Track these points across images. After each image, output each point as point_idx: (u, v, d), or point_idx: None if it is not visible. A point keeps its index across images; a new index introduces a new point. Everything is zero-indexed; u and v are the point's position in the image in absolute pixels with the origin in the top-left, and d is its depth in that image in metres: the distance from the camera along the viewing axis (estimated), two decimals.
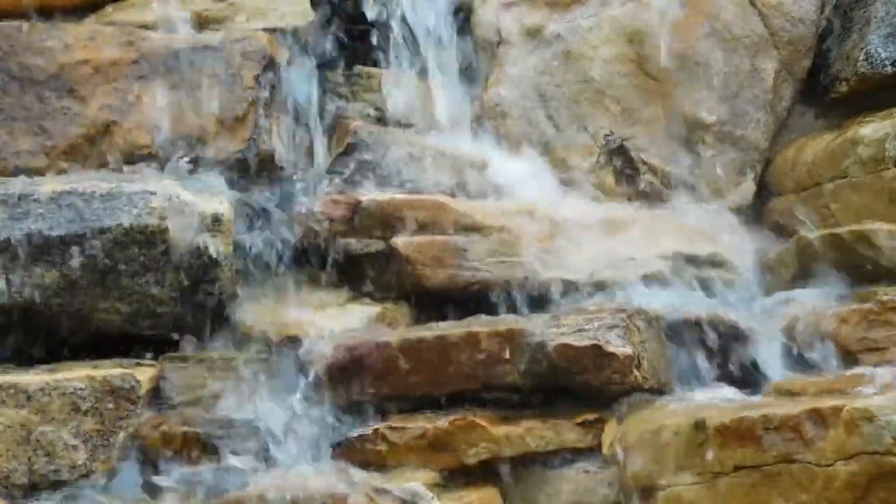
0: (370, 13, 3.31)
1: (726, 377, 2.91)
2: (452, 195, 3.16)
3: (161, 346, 2.90)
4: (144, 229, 2.84)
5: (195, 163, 3.04)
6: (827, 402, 2.54)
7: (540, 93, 3.34)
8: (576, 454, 2.82)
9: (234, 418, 2.83)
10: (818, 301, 2.97)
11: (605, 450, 2.80)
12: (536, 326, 2.84)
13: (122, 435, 2.78)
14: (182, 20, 3.15)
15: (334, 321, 2.98)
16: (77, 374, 2.78)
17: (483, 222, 3.08)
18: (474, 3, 3.40)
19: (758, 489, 2.55)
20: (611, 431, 2.81)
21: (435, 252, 3.03)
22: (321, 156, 3.22)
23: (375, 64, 3.31)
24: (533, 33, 3.37)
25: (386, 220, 3.05)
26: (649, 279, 3.08)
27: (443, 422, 2.80)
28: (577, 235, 3.13)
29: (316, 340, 2.91)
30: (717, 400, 2.80)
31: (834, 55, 3.38)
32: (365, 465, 2.80)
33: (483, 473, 2.82)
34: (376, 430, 2.82)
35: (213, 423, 2.81)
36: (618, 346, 2.80)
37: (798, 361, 2.89)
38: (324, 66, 3.28)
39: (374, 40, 3.31)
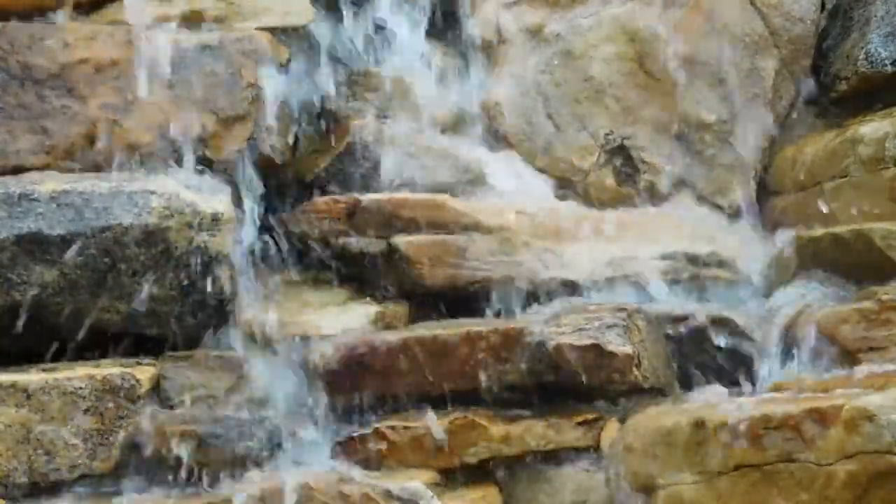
0: (371, 12, 3.31)
1: (726, 377, 2.91)
2: (452, 195, 3.16)
3: (161, 346, 2.90)
4: (144, 229, 2.84)
5: (195, 162, 3.04)
6: (827, 402, 2.54)
7: (540, 92, 3.34)
8: (576, 453, 2.82)
9: (233, 418, 2.83)
10: (818, 300, 2.96)
11: (605, 449, 2.80)
12: (536, 326, 2.85)
13: (122, 434, 2.78)
14: (182, 19, 3.15)
15: (334, 321, 2.98)
16: (77, 374, 2.78)
17: (483, 222, 3.08)
18: (474, 2, 3.40)
19: (758, 488, 2.55)
20: (611, 431, 2.81)
21: (435, 251, 3.03)
22: (321, 155, 3.22)
23: (376, 63, 3.31)
24: (533, 32, 3.37)
25: (386, 220, 3.05)
26: (649, 278, 3.08)
27: (443, 422, 2.81)
28: (577, 234, 3.13)
29: (316, 340, 2.91)
30: (717, 399, 2.80)
31: (834, 54, 3.37)
32: (365, 464, 2.80)
33: (483, 473, 2.82)
34: (376, 429, 2.82)
35: (213, 422, 2.81)
36: (618, 345, 2.80)
37: (798, 361, 2.89)
38: (324, 64, 3.28)
39: (375, 40, 3.31)
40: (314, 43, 3.25)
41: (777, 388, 2.81)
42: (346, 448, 2.82)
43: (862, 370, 2.77)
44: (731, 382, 2.89)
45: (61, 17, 3.11)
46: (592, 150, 3.33)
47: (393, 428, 2.82)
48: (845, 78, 3.31)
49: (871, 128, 3.14)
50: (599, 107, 3.34)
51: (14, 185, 2.88)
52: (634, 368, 2.81)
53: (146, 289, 2.86)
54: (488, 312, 3.01)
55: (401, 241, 3.03)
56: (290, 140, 3.17)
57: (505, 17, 3.38)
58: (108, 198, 2.86)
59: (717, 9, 3.34)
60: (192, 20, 3.15)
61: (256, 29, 3.16)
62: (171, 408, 2.84)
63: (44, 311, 2.83)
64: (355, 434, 2.83)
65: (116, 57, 3.08)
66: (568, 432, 2.83)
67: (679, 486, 2.63)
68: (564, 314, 2.89)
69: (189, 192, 2.92)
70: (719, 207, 3.33)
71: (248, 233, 3.08)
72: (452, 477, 2.81)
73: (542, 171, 3.30)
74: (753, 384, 2.89)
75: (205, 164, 3.05)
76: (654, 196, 3.31)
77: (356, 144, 3.19)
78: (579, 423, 2.83)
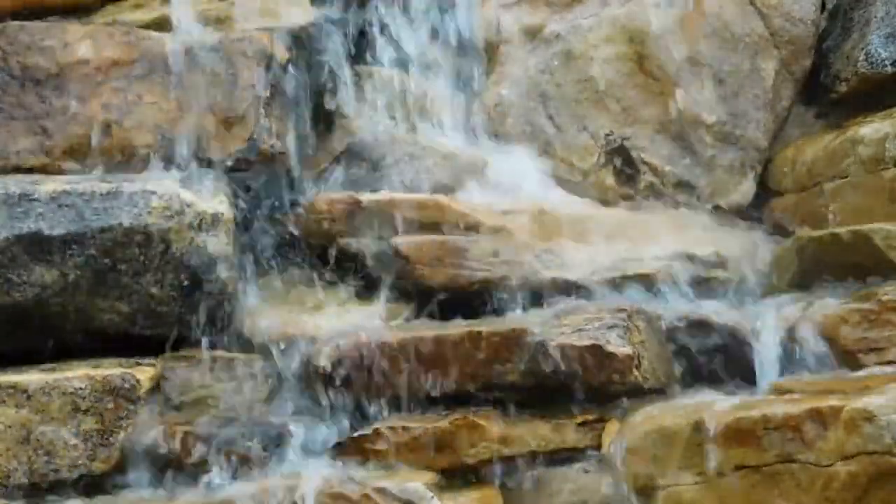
0: (371, 12, 3.31)
1: (726, 377, 2.91)
2: (453, 195, 3.16)
3: (161, 346, 2.90)
4: (144, 229, 2.84)
5: (195, 162, 3.04)
6: (827, 402, 2.54)
7: (540, 92, 3.34)
8: (576, 454, 2.82)
9: (234, 418, 2.83)
10: (818, 301, 2.96)
11: (605, 450, 2.80)
12: (537, 326, 2.84)
13: (122, 434, 2.78)
14: (182, 19, 3.15)
15: (334, 321, 2.98)
16: (77, 374, 2.78)
17: (483, 222, 3.08)
18: (474, 2, 3.40)
19: (758, 489, 2.55)
20: (611, 431, 2.81)
21: (435, 252, 3.03)
22: (322, 155, 3.22)
23: (376, 63, 3.31)
24: (533, 33, 3.38)
25: (386, 220, 3.05)
26: (649, 279, 3.08)
27: (443, 422, 2.81)
28: (577, 235, 3.13)
29: (316, 340, 2.91)
30: (717, 400, 2.80)
31: (834, 55, 3.38)
32: (365, 464, 2.80)
33: (483, 473, 2.82)
34: (376, 429, 2.82)
35: (213, 422, 2.81)
36: (618, 345, 2.80)
37: (798, 361, 2.89)
38: (324, 65, 3.28)
39: (375, 40, 3.32)
40: (315, 43, 3.25)
41: (777, 389, 2.80)
42: (346, 448, 2.82)
43: (862, 371, 2.78)
44: (732, 383, 2.89)
45: None
46: (592, 151, 3.33)
47: (393, 428, 2.82)
48: (845, 79, 3.31)
49: (871, 128, 3.14)
50: (599, 107, 3.34)
51: (14, 185, 2.88)
52: (634, 369, 2.80)
53: (146, 289, 2.86)
54: (488, 313, 3.01)
55: (401, 241, 3.03)
56: (291, 140, 3.17)
57: (505, 17, 3.38)
58: (109, 198, 2.86)
59: (717, 9, 3.35)
60: (192, 20, 3.15)
61: (257, 29, 3.16)
62: (172, 408, 2.84)
63: (44, 311, 2.83)
64: (355, 434, 2.83)
65: (116, 57, 3.08)
66: (568, 433, 2.83)
67: (679, 487, 2.63)
68: (565, 314, 2.89)
69: (189, 192, 2.92)
70: (719, 208, 3.34)
71: (248, 233, 3.08)
72: (452, 477, 2.80)
73: (542, 171, 3.30)
74: (754, 385, 2.88)
75: (205, 164, 3.05)
76: (654, 196, 3.31)
77: (357, 144, 3.19)
78: (579, 424, 2.83)
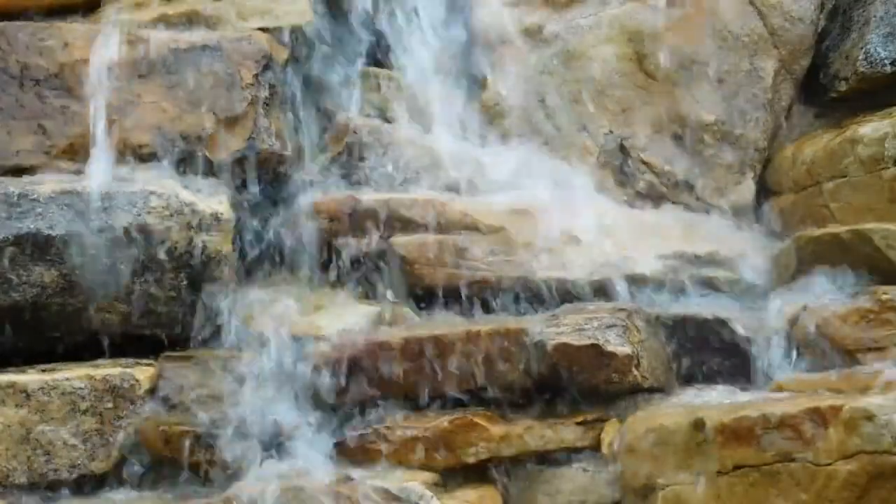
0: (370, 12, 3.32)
1: (726, 376, 2.91)
2: (452, 194, 3.16)
3: (160, 346, 2.90)
4: (144, 229, 2.84)
5: (195, 162, 3.04)
6: (826, 402, 2.54)
7: (539, 92, 3.34)
8: (575, 454, 2.82)
9: (233, 418, 2.83)
10: (817, 300, 2.96)
11: (604, 449, 2.80)
12: (536, 326, 2.84)
13: (121, 434, 2.78)
14: (182, 19, 3.15)
15: (334, 321, 2.98)
16: (76, 374, 2.78)
17: (482, 221, 3.08)
18: (474, 2, 3.40)
19: (757, 488, 2.55)
20: (610, 431, 2.81)
21: (434, 251, 3.03)
22: (321, 155, 3.22)
23: (376, 63, 3.31)
24: (532, 33, 3.38)
25: (385, 220, 3.05)
26: (648, 278, 3.08)
27: (443, 421, 2.81)
28: (577, 234, 3.13)
29: (316, 340, 2.91)
30: (717, 399, 2.80)
31: (833, 54, 3.38)
32: (365, 464, 2.80)
33: (483, 473, 2.82)
34: (376, 429, 2.82)
35: (212, 422, 2.81)
36: (617, 345, 2.80)
37: (797, 361, 2.89)
38: (323, 64, 3.28)
39: (375, 40, 3.32)
40: (313, 43, 3.26)
41: (777, 389, 2.81)
42: (346, 448, 2.82)
43: (861, 370, 2.78)
44: (731, 382, 2.89)
45: None
46: (592, 151, 3.33)
47: (392, 428, 2.82)
48: (844, 78, 3.31)
49: (871, 128, 3.14)
50: (599, 107, 3.34)
51: (14, 185, 2.88)
52: (634, 368, 2.80)
53: (145, 289, 2.86)
54: (487, 312, 3.01)
55: (400, 240, 3.03)
56: (290, 140, 3.17)
57: (505, 17, 3.38)
58: (108, 198, 2.86)
59: (716, 9, 3.34)
60: (192, 20, 3.15)
61: (256, 29, 3.16)
62: (171, 408, 2.84)
63: (43, 311, 2.84)
64: (355, 434, 2.83)
65: (116, 57, 3.08)
66: (567, 432, 2.83)
67: (678, 487, 2.63)
68: (564, 314, 2.89)
69: (188, 192, 2.93)
70: (719, 207, 3.33)
71: (248, 233, 3.08)
72: (452, 477, 2.81)
73: (541, 171, 3.30)
74: (753, 384, 2.89)
75: (204, 164, 3.05)
76: (654, 196, 3.31)
77: (356, 144, 3.19)
78: (579, 424, 2.83)
